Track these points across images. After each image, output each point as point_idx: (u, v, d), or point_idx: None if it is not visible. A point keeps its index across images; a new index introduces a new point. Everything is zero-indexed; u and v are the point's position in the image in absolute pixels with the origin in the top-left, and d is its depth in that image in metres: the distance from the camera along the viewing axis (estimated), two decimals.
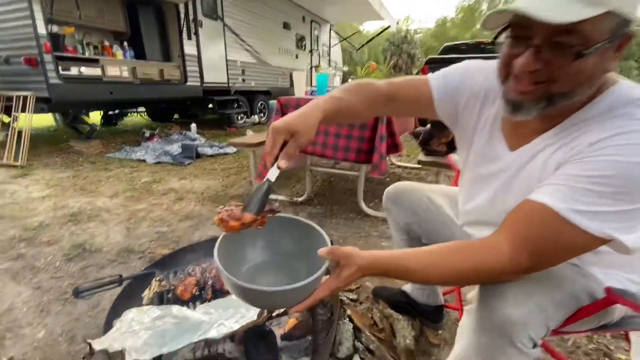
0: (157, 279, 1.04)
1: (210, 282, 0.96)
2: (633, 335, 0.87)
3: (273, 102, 7.34)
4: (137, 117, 7.66)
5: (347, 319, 1.16)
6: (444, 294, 1.26)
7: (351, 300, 1.32)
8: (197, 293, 0.94)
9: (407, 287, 1.26)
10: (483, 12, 30.64)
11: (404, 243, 1.13)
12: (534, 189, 0.56)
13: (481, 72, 0.75)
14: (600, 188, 0.48)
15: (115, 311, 0.96)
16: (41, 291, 1.41)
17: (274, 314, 0.82)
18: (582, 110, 0.56)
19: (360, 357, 1.05)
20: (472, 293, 0.70)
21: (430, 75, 0.79)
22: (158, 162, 3.59)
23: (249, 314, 0.81)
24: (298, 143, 0.61)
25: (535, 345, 0.56)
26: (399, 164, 3.40)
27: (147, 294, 1.03)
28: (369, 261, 0.59)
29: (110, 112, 6.47)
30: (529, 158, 0.63)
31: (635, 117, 0.50)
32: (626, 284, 0.64)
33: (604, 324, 0.68)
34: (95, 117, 6.53)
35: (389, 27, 10.08)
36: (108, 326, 0.86)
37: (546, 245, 0.52)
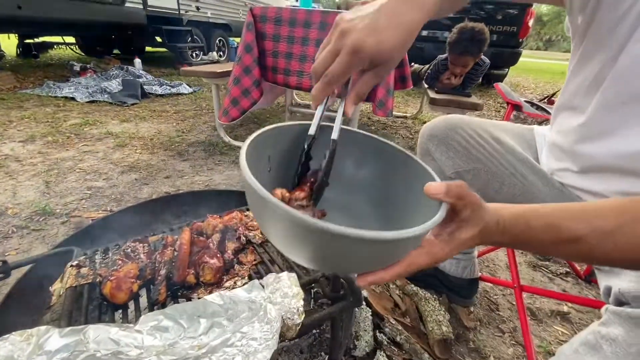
0: (74, 263, 0.64)
1: (163, 272, 0.57)
2: None
3: (234, 40, 6.40)
4: (65, 50, 6.32)
5: (365, 302, 0.87)
6: (480, 256, 1.00)
7: None
8: (139, 291, 0.56)
9: None
10: None
11: None
12: None
13: None
14: None
15: None
16: None
17: (292, 335, 0.47)
18: None
19: (386, 354, 0.77)
20: (624, 284, 0.42)
21: None
22: (92, 101, 2.89)
23: (241, 332, 0.45)
24: (379, 78, 0.37)
25: None
26: None
27: (57, 288, 0.63)
28: (505, 218, 0.34)
29: (29, 41, 5.21)
30: None
31: None
32: None
33: None
34: (9, 47, 5.23)
35: None
36: None
37: None
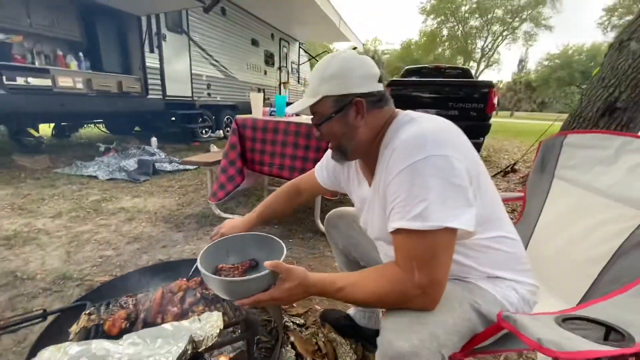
0: (87, 312, 0.99)
1: (142, 316, 0.92)
2: None
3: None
4: (93, 129, 7.26)
5: (290, 345, 1.16)
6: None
7: (298, 325, 1.32)
8: (126, 327, 0.90)
9: (351, 311, 1.29)
10: (443, 36, 33.23)
11: (344, 265, 1.17)
12: (386, 218, 0.69)
13: None
14: (404, 194, 0.62)
15: (36, 350, 0.90)
16: None
17: (202, 348, 0.80)
18: (380, 146, 0.74)
19: None
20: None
21: (316, 167, 1.08)
22: (111, 179, 3.42)
23: (178, 346, 0.78)
24: None
25: None
26: None
27: (74, 329, 0.97)
28: (308, 277, 0.67)
29: (63, 123, 6.10)
30: (376, 188, 0.76)
31: (399, 135, 0.68)
32: (507, 289, 0.73)
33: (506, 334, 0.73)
34: (45, 128, 6.12)
35: (355, 48, 10.49)
36: None
37: (421, 256, 0.60)
